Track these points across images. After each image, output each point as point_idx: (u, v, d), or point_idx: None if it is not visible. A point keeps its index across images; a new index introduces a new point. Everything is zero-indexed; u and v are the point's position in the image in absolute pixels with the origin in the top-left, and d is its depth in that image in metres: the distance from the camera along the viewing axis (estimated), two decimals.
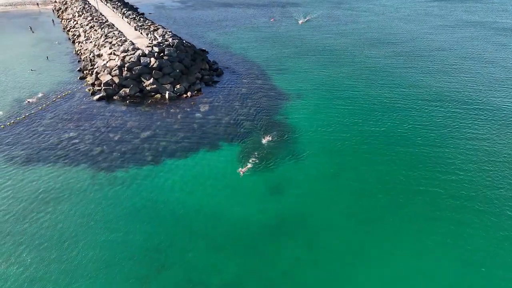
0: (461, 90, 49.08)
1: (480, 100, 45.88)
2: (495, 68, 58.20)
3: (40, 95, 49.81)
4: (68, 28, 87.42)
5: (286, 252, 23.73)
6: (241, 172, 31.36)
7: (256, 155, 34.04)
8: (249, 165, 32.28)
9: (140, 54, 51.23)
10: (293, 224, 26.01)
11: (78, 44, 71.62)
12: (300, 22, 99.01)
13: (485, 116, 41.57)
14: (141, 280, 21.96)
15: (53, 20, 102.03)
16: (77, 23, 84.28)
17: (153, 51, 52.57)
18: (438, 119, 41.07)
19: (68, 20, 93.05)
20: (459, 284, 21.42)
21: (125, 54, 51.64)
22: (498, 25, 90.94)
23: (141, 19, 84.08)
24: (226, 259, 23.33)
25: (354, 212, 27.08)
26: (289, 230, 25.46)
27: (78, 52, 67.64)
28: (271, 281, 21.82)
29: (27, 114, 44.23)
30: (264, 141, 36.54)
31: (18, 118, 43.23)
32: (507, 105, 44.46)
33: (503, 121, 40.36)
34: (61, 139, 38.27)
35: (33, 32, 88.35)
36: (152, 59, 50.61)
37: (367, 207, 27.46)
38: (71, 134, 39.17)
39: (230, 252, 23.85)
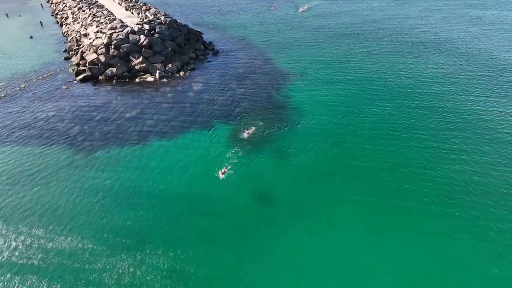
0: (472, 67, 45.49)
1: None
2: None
3: (18, 76, 45.71)
4: (56, 12, 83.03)
5: (283, 240, 20.11)
6: (221, 174, 24.85)
7: (251, 138, 30.17)
8: (232, 164, 26.37)
9: (129, 32, 47.13)
10: (290, 208, 22.36)
11: (66, 26, 67.37)
12: (300, 10, 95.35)
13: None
14: (119, 268, 18.24)
15: (41, 5, 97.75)
16: (65, 5, 79.91)
17: (143, 28, 48.49)
18: (453, 103, 37.39)
19: (57, 4, 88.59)
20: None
21: (113, 31, 47.53)
22: None
23: (133, 0, 79.84)
24: (215, 247, 19.65)
25: (358, 196, 23.42)
26: (286, 216, 21.77)
27: (65, 34, 63.42)
28: (269, 269, 18.19)
29: (2, 96, 40.19)
30: (259, 123, 32.53)
31: None
32: None
33: None
34: (37, 119, 34.38)
35: (19, 16, 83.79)
36: (142, 37, 46.53)
37: (372, 194, 23.67)
38: (49, 114, 35.27)
39: (219, 240, 20.16)
